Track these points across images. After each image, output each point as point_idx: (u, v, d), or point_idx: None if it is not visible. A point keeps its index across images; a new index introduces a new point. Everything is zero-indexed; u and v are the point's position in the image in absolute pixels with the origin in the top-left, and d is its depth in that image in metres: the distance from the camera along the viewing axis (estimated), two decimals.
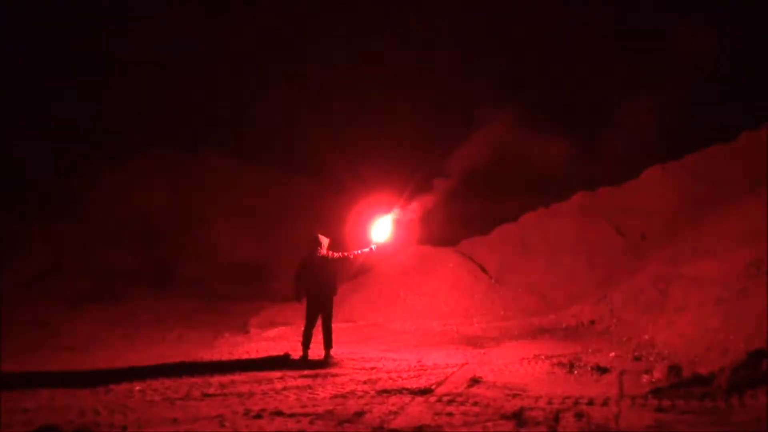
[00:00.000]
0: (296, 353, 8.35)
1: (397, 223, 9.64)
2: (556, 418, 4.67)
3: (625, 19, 23.12)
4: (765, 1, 19.31)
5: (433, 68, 25.45)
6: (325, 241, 8.38)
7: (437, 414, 4.94)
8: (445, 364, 7.41)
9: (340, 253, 8.44)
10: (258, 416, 5.05)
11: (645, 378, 5.90)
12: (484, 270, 14.24)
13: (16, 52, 22.42)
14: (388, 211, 9.76)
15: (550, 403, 5.16)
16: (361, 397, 5.68)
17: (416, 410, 5.10)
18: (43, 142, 21.55)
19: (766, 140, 11.64)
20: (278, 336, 10.68)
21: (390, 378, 6.62)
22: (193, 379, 6.81)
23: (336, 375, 6.94)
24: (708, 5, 21.14)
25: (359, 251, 8.70)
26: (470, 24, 25.36)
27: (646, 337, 8.08)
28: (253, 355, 8.70)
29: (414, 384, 6.20)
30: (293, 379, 6.76)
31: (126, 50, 24.56)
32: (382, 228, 9.09)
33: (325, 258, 8.25)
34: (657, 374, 5.84)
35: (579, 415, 4.70)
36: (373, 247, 8.79)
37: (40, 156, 21.06)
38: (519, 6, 24.51)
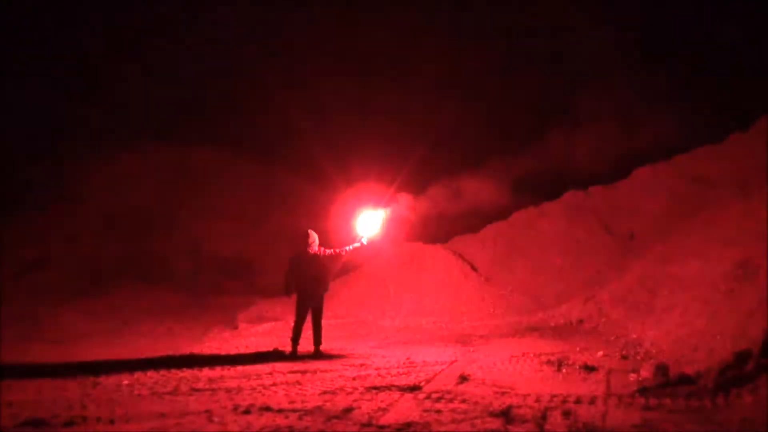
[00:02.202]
0: (285, 349, 8.34)
1: (387, 217, 9.61)
2: (544, 416, 4.69)
3: (617, 20, 23.21)
4: (756, 5, 19.41)
5: (421, 64, 25.46)
6: (315, 237, 8.37)
7: (426, 411, 4.95)
8: (434, 361, 7.43)
9: (332, 250, 8.45)
10: (246, 412, 5.03)
11: (632, 377, 5.94)
12: (473, 268, 14.28)
13: (7, 45, 22.20)
14: (376, 204, 9.74)
15: (538, 401, 5.18)
16: (350, 393, 5.68)
17: (405, 407, 5.11)
18: (32, 135, 21.39)
19: (754, 142, 11.73)
20: (267, 331, 10.67)
21: (379, 375, 6.63)
22: (182, 374, 6.79)
23: (325, 371, 6.93)
24: (698, 8, 21.27)
25: (349, 247, 8.70)
26: (464, 21, 25.36)
27: (634, 336, 8.14)
28: (242, 351, 8.68)
29: (403, 381, 6.20)
30: (282, 374, 6.75)
31: (116, 45, 24.41)
32: (370, 222, 9.06)
33: (315, 254, 8.25)
34: (644, 373, 5.88)
35: (566, 414, 4.72)
36: (363, 241, 8.78)
37: (28, 149, 20.90)
38: (511, 4, 24.53)
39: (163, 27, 24.65)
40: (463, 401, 5.24)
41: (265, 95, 24.31)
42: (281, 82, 24.75)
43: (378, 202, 10.21)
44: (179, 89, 24.48)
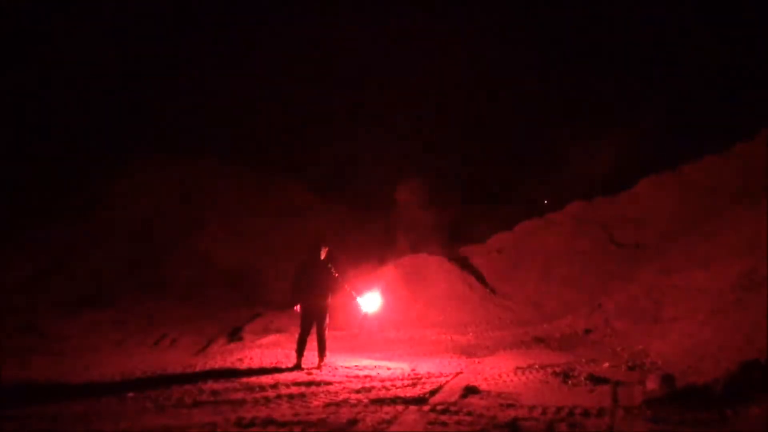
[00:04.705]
0: (290, 361, 8.31)
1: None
2: (550, 429, 4.65)
3: (622, 33, 23.31)
4: (759, 16, 19.46)
5: (423, 74, 25.60)
6: (324, 250, 8.39)
7: (431, 423, 4.92)
8: (439, 373, 7.39)
9: (335, 274, 8.46)
10: (250, 424, 5.01)
11: (639, 388, 5.89)
12: (478, 279, 14.24)
13: (19, 58, 22.42)
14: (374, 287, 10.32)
15: (543, 413, 5.14)
16: (355, 405, 5.65)
17: (410, 419, 5.07)
18: (39, 146, 21.52)
19: (759, 151, 11.70)
20: (272, 343, 10.64)
21: (384, 387, 6.59)
22: (185, 386, 6.76)
23: (329, 383, 6.90)
24: (703, 17, 21.33)
25: (353, 293, 8.87)
26: (468, 34, 25.50)
27: (641, 347, 8.08)
28: (246, 363, 8.65)
29: (408, 393, 6.17)
30: (286, 387, 6.72)
31: (125, 57, 24.62)
32: (371, 300, 9.49)
33: (322, 266, 8.26)
34: (651, 385, 5.83)
35: (573, 426, 4.68)
36: (363, 309, 9.15)
37: (35, 160, 21.01)
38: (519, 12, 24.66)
39: (173, 40, 24.88)
40: (469, 413, 5.20)
41: (275, 108, 24.48)
42: (284, 94, 24.92)
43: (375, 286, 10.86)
44: (186, 101, 24.67)
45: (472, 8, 25.93)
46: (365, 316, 9.02)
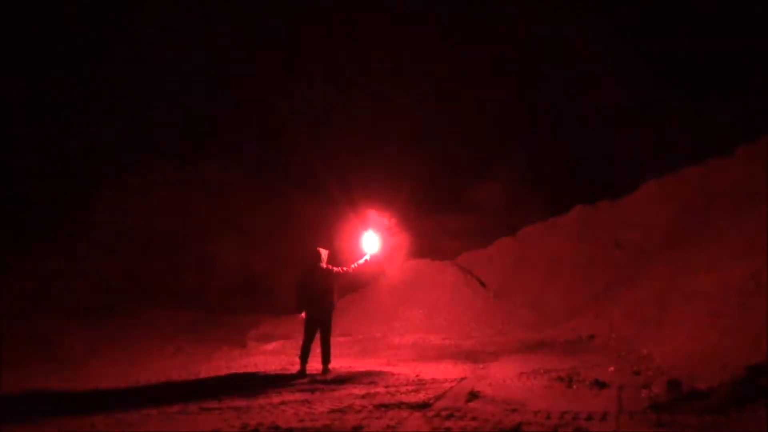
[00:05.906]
0: (294, 367, 8.32)
1: (386, 234, 9.73)
2: None
3: (626, 31, 23.31)
4: (761, 16, 19.46)
5: (426, 86, 25.65)
6: (324, 254, 8.39)
7: (435, 429, 4.91)
8: (443, 378, 7.38)
9: (340, 268, 8.45)
10: (255, 431, 5.02)
11: (644, 393, 5.87)
12: (482, 284, 14.22)
13: (22, 68, 22.54)
14: (377, 225, 9.91)
15: (548, 418, 5.13)
16: (359, 411, 5.65)
17: (414, 425, 5.07)
18: (45, 156, 21.61)
19: (763, 153, 11.67)
20: (276, 349, 10.66)
21: (388, 392, 6.59)
22: (190, 393, 6.78)
23: (334, 389, 6.90)
24: (708, 22, 21.35)
25: (355, 264, 8.71)
26: (470, 41, 25.54)
27: (645, 351, 8.06)
28: (251, 369, 8.67)
29: (412, 398, 6.16)
30: (291, 393, 6.73)
31: (128, 67, 24.74)
32: (373, 241, 9.14)
33: (325, 271, 8.25)
34: (656, 389, 5.81)
35: (577, 430, 4.67)
36: (367, 257, 8.81)
37: (41, 170, 21.10)
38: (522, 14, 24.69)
39: (177, 50, 24.97)
40: (473, 419, 5.19)
41: (273, 116, 24.55)
42: (289, 103, 25.00)
43: (379, 223, 10.38)
44: (188, 108, 24.75)
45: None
46: (366, 261, 8.81)
